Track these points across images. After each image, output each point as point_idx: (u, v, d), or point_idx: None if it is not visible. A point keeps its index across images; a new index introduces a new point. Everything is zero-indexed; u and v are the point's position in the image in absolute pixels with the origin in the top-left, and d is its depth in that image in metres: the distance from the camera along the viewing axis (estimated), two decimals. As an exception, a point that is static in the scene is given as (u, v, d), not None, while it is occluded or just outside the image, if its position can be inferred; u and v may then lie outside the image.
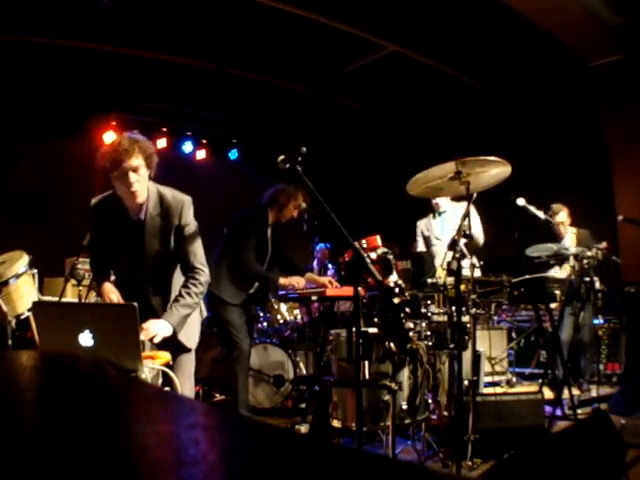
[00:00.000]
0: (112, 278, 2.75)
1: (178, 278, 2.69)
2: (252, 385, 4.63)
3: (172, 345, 2.49)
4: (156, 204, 2.58)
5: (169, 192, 2.63)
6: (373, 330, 2.98)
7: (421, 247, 5.04)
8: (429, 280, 3.62)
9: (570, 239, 5.16)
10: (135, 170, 2.44)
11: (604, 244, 4.64)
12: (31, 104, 6.36)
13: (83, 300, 4.45)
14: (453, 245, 3.05)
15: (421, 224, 5.14)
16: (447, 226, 4.77)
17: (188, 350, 2.67)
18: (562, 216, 5.28)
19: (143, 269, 2.60)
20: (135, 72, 6.53)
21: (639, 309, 4.96)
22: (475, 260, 4.34)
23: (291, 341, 5.37)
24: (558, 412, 3.84)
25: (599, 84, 6.58)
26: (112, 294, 2.57)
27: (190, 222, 2.63)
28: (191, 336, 2.69)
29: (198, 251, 2.65)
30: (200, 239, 2.69)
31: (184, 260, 2.63)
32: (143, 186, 2.50)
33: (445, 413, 3.40)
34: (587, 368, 5.19)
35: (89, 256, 3.11)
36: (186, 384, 2.62)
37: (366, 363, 2.98)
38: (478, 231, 4.63)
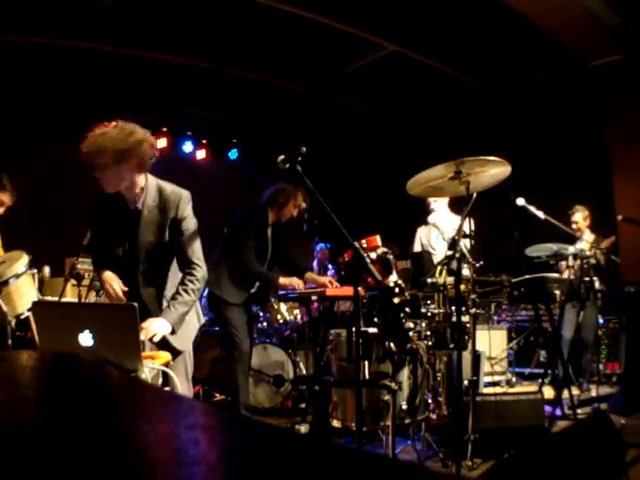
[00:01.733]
0: None
1: (175, 273, 2.69)
2: (252, 385, 4.63)
3: (163, 347, 2.49)
4: (155, 196, 2.59)
5: (168, 186, 2.65)
6: (373, 330, 2.98)
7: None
8: (429, 280, 3.62)
9: (584, 246, 5.17)
10: (96, 167, 2.45)
11: (612, 239, 4.63)
12: (31, 104, 6.36)
13: (83, 300, 4.44)
14: (453, 245, 3.06)
15: (421, 231, 5.10)
16: (444, 237, 4.73)
17: (178, 352, 2.63)
18: (577, 217, 5.33)
19: (135, 259, 2.60)
20: (135, 72, 6.52)
21: (639, 309, 4.95)
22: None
23: (291, 341, 5.36)
24: (558, 412, 3.84)
25: (599, 84, 6.58)
26: (113, 281, 2.56)
27: (187, 216, 2.62)
28: (182, 338, 2.63)
29: (195, 246, 2.64)
30: (198, 235, 2.68)
31: (181, 255, 2.63)
32: (110, 181, 2.50)
33: (445, 413, 3.40)
34: (588, 367, 5.19)
35: (90, 253, 3.08)
36: (183, 386, 2.62)
37: (366, 363, 2.98)
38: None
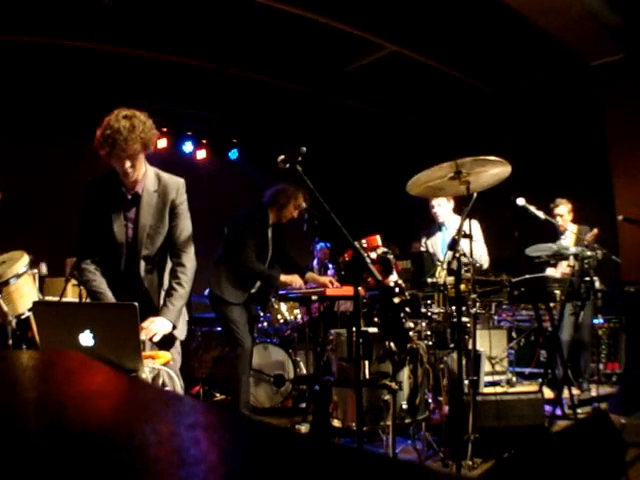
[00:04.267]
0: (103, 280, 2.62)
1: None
2: (252, 385, 4.64)
3: (165, 338, 2.51)
4: (154, 181, 2.63)
5: (165, 173, 2.70)
6: (373, 330, 2.98)
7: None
8: (429, 280, 3.62)
9: (570, 237, 5.14)
10: (130, 158, 2.46)
11: (595, 231, 4.62)
12: (31, 104, 6.36)
13: (83, 300, 4.44)
14: (453, 245, 3.06)
15: (426, 240, 4.80)
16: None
17: (174, 340, 2.64)
18: (561, 209, 5.25)
19: (138, 244, 2.60)
20: (135, 72, 6.53)
21: (639, 309, 4.95)
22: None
23: (291, 341, 5.37)
24: (558, 412, 3.84)
25: (599, 84, 6.58)
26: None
27: (184, 201, 2.67)
28: (180, 328, 2.66)
29: (187, 234, 2.67)
30: (190, 224, 2.71)
31: (172, 240, 2.65)
32: (137, 168, 2.52)
33: (445, 412, 3.40)
34: (586, 367, 5.19)
35: (78, 243, 2.82)
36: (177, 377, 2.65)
37: (366, 363, 2.99)
38: (482, 253, 4.44)
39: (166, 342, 2.53)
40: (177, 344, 2.70)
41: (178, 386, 2.36)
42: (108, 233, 2.60)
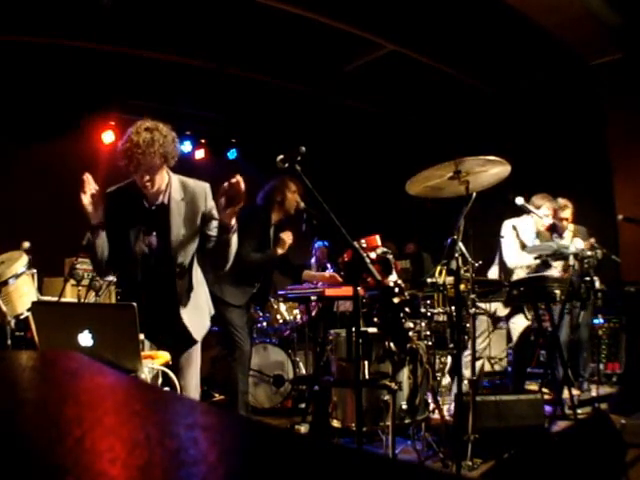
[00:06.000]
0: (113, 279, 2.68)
1: (196, 266, 2.74)
2: (252, 385, 4.63)
3: (183, 337, 2.58)
4: (179, 190, 2.61)
5: (189, 179, 2.67)
6: (373, 330, 2.98)
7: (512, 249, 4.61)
8: (429, 280, 3.62)
9: (569, 236, 5.14)
10: (149, 172, 2.44)
11: (591, 240, 4.62)
12: (31, 104, 6.36)
13: (82, 300, 4.44)
14: (452, 245, 3.06)
15: (519, 225, 4.73)
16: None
17: (195, 342, 2.71)
18: (568, 213, 5.24)
19: (171, 252, 2.58)
20: (134, 72, 6.52)
21: (639, 309, 4.95)
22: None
23: (291, 341, 5.36)
24: (558, 412, 3.84)
25: (599, 83, 6.58)
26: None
27: (214, 206, 2.66)
28: (200, 328, 2.72)
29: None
30: None
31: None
32: (156, 182, 2.51)
33: (445, 413, 3.40)
34: (586, 367, 5.19)
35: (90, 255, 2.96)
36: (193, 379, 2.71)
37: (366, 363, 2.98)
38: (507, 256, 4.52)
39: (184, 341, 2.62)
40: (197, 345, 2.73)
41: (178, 386, 2.35)
42: (129, 245, 2.57)
